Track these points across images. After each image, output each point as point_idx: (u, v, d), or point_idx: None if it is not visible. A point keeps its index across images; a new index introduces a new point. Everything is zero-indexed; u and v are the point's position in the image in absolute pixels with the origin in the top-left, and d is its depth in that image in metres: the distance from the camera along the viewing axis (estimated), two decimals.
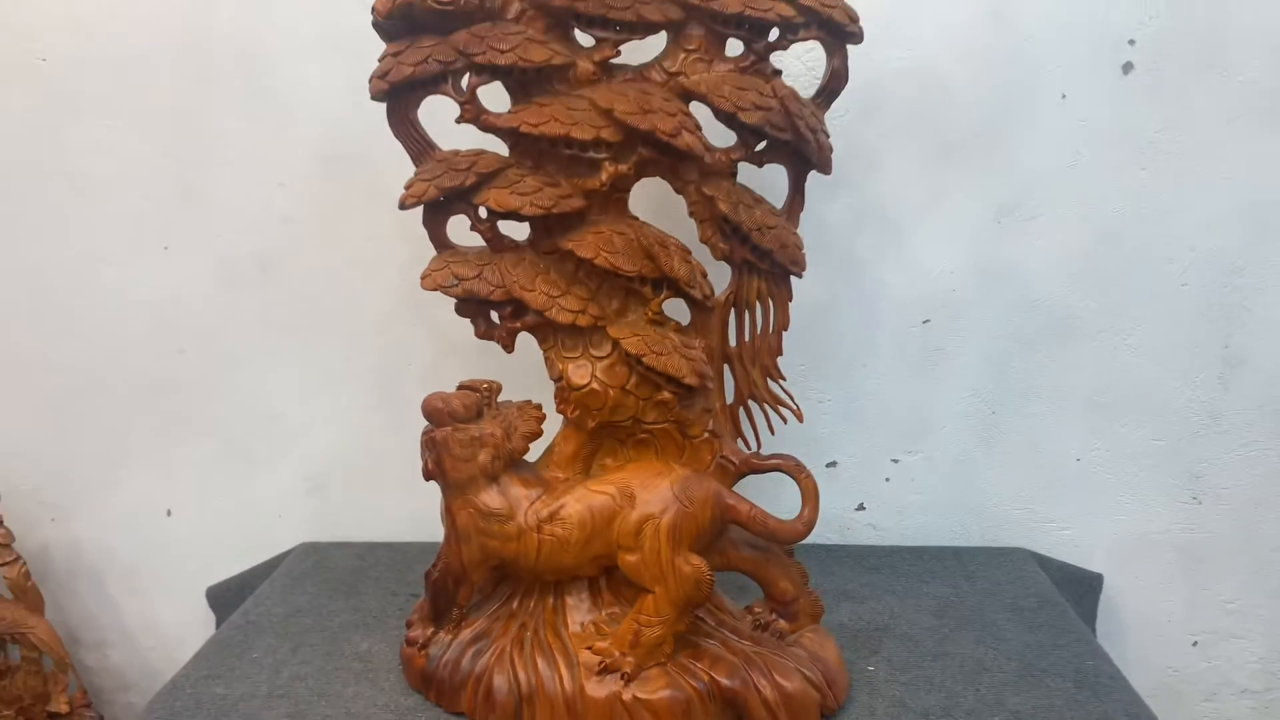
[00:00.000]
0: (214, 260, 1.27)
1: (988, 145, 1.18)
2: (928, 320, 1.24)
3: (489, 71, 0.83)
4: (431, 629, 0.95)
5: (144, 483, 1.35)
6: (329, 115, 1.21)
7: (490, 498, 0.89)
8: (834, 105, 0.91)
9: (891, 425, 1.28)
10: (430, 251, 0.92)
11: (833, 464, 1.29)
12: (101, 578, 1.39)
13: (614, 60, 0.85)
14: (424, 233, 0.92)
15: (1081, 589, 1.25)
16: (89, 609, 1.39)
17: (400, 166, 0.90)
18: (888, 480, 1.30)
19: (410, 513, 1.32)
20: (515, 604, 0.95)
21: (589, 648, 0.90)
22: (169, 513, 1.36)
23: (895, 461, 1.29)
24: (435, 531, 0.98)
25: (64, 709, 1.20)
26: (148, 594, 1.39)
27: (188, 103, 1.22)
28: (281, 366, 1.30)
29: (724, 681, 0.88)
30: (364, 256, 1.26)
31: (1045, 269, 1.21)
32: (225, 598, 1.29)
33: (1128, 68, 1.16)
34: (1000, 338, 1.24)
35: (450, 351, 1.27)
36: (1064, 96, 1.17)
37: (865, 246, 1.22)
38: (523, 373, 1.03)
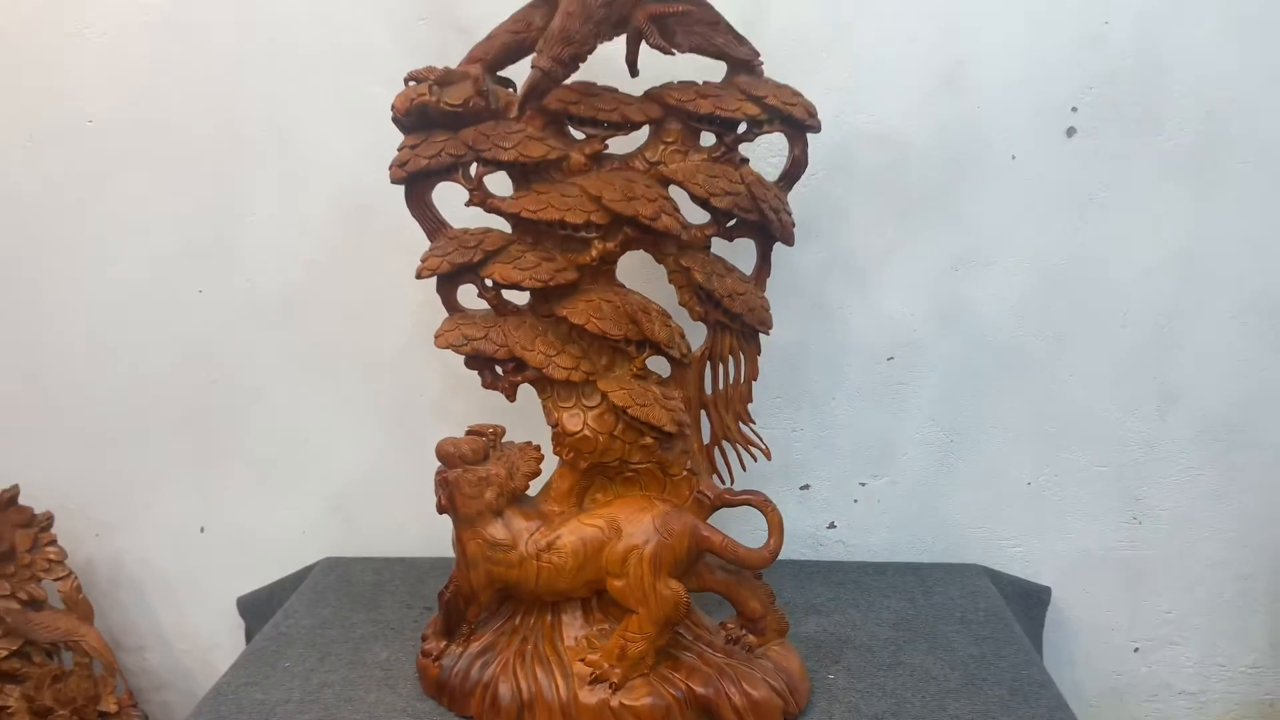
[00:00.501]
0: (243, 301, 1.39)
1: (945, 200, 1.30)
2: (891, 358, 1.36)
3: (494, 164, 0.95)
4: (444, 642, 1.08)
5: (180, 502, 1.47)
6: (348, 171, 1.32)
7: (496, 530, 1.01)
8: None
9: (859, 452, 1.40)
10: (432, 293, 1.04)
11: (806, 486, 1.42)
12: (141, 588, 1.51)
13: (602, 152, 0.98)
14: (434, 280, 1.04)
15: (1031, 601, 1.37)
16: (130, 617, 1.52)
17: (409, 216, 1.02)
18: (856, 501, 1.42)
19: (422, 530, 1.44)
20: (517, 621, 1.08)
21: (582, 660, 1.03)
22: (202, 529, 1.49)
23: (863, 485, 1.41)
24: (445, 548, 1.11)
25: (113, 708, 1.33)
26: (183, 603, 1.52)
27: (221, 160, 1.33)
28: (305, 397, 1.42)
29: (699, 690, 1.01)
30: (380, 298, 1.37)
31: (997, 312, 1.33)
32: (254, 607, 1.42)
33: (1071, 132, 1.27)
34: (957, 373, 1.36)
35: (458, 384, 1.39)
36: (1013, 157, 1.28)
37: (834, 291, 1.34)
38: (522, 407, 1.15)
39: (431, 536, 1.43)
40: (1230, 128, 1.26)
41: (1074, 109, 1.27)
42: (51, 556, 1.32)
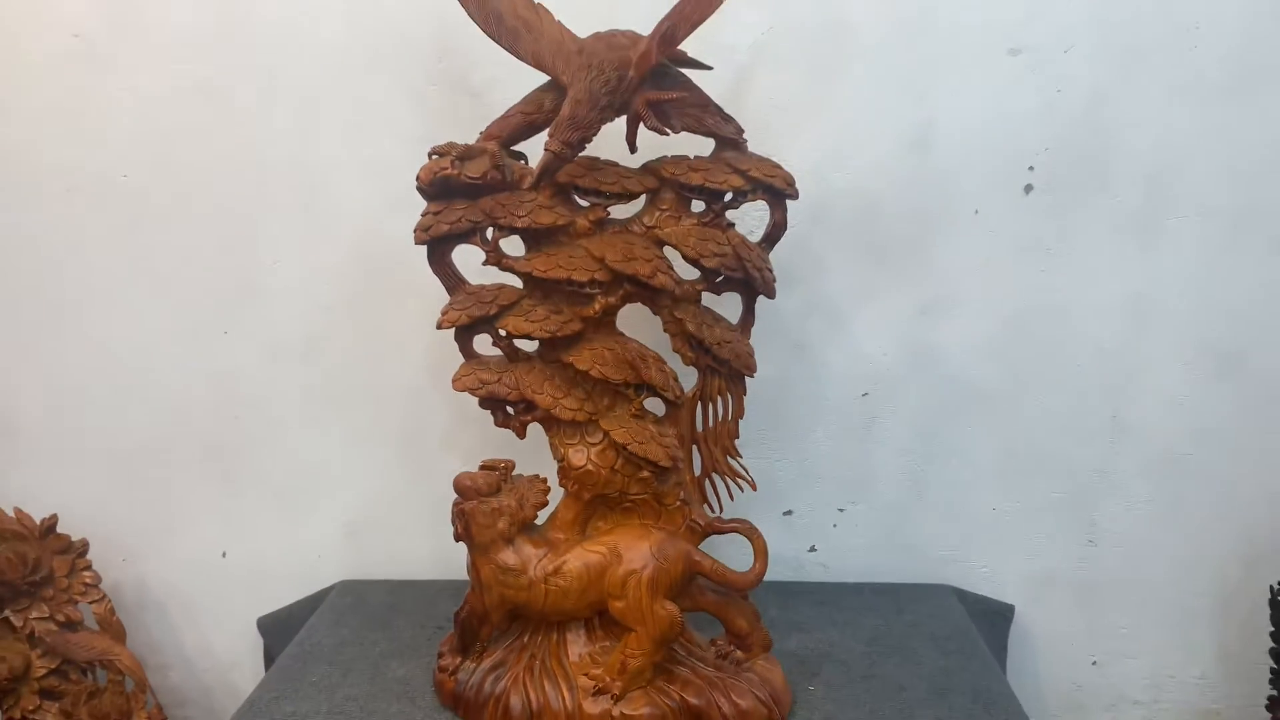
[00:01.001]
0: (265, 342, 1.49)
1: (914, 250, 1.42)
2: (866, 394, 1.48)
3: (509, 230, 1.07)
4: (459, 658, 1.18)
5: (202, 529, 1.57)
6: (365, 222, 1.43)
7: (507, 556, 1.12)
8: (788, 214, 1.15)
9: (837, 480, 1.51)
10: (446, 336, 1.15)
11: (789, 512, 1.53)
12: (165, 610, 1.61)
13: (605, 218, 1.09)
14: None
15: (996, 618, 1.49)
16: (154, 637, 1.61)
17: (420, 263, 1.13)
18: (835, 526, 1.53)
19: (431, 553, 1.53)
20: (526, 638, 1.18)
21: (586, 674, 1.13)
22: (224, 554, 1.59)
23: (841, 510, 1.53)
24: (453, 571, 1.25)
25: None
26: (204, 624, 1.61)
27: (246, 211, 1.44)
28: (322, 430, 1.53)
29: (692, 700, 1.12)
30: (392, 338, 1.48)
31: (963, 352, 1.45)
32: (274, 627, 1.52)
33: (1028, 188, 1.40)
34: (927, 408, 1.47)
35: (464, 417, 1.49)
36: (976, 211, 1.41)
37: (813, 332, 1.46)
38: (518, 441, 1.25)
39: (439, 560, 1.53)
40: (1172, 186, 1.38)
41: (1031, 168, 1.39)
42: (87, 580, 1.42)
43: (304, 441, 1.54)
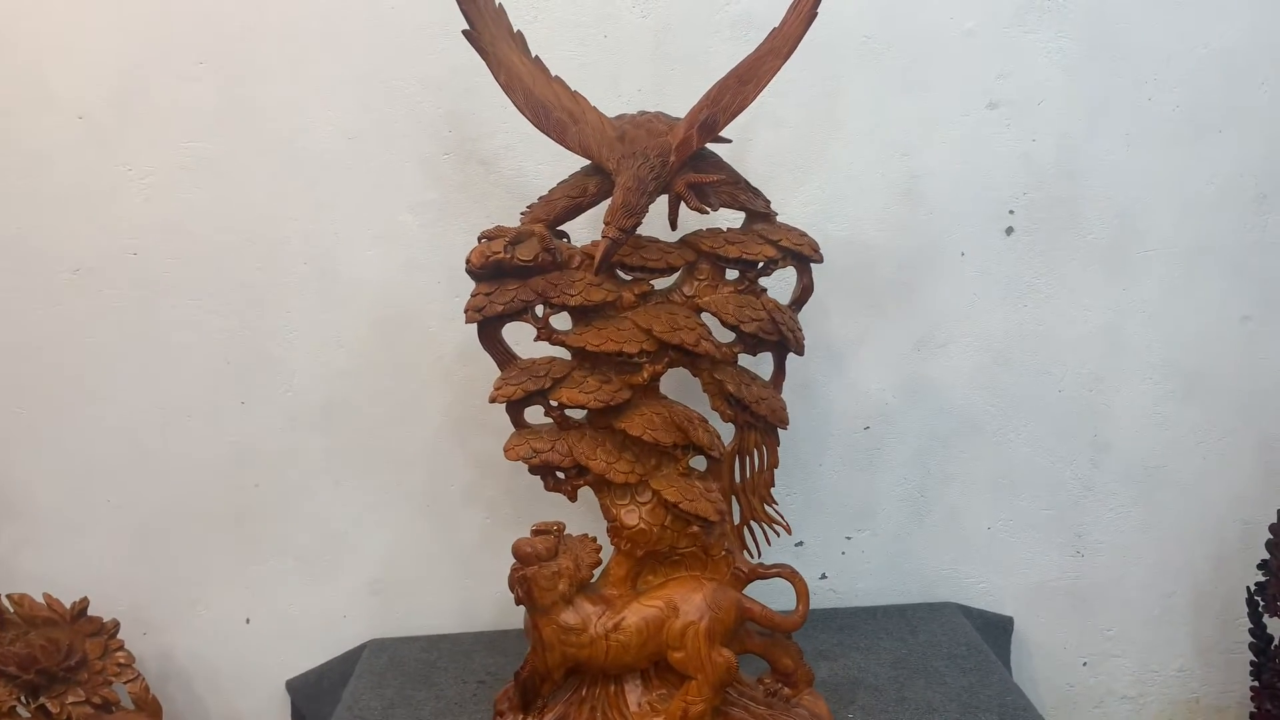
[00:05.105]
0: (283, 409, 1.51)
1: (906, 292, 1.51)
2: (868, 427, 1.57)
3: (561, 307, 1.12)
4: (521, 715, 1.22)
5: (225, 597, 1.58)
6: (379, 289, 1.46)
7: (569, 616, 1.17)
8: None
9: (844, 510, 1.60)
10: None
11: (800, 543, 1.61)
12: (189, 680, 1.61)
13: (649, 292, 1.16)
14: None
15: (997, 630, 1.59)
16: (178, 708, 1.61)
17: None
18: (844, 554, 1.62)
19: (456, 607, 1.58)
20: (584, 692, 1.23)
21: None
22: (248, 621, 1.60)
23: (848, 538, 1.62)
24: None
25: None
26: (229, 691, 1.61)
27: (258, 282, 1.46)
28: (343, 492, 1.55)
29: None
30: (410, 399, 1.51)
31: (954, 384, 1.55)
32: (304, 689, 1.54)
33: (1009, 231, 1.50)
34: (923, 437, 1.57)
35: (484, 473, 1.53)
36: (963, 254, 1.51)
37: (817, 372, 1.54)
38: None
39: (467, 613, 1.58)
40: (1138, 224, 1.51)
41: (1011, 212, 1.49)
42: (121, 660, 1.42)
43: (326, 504, 1.56)
